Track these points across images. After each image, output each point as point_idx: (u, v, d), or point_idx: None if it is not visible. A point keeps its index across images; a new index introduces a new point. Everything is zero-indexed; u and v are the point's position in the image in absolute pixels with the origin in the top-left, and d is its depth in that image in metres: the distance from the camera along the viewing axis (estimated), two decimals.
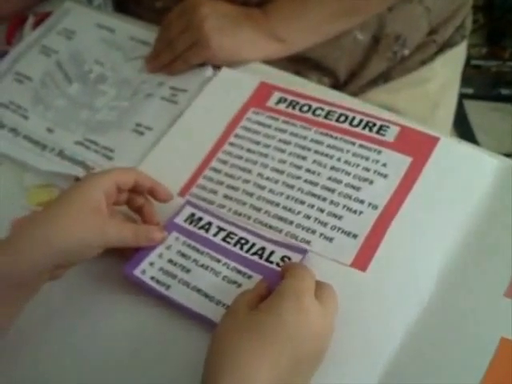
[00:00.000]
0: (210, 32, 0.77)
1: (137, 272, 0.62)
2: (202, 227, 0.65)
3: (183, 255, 0.63)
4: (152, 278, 0.62)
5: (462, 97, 1.75)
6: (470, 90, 1.82)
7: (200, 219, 0.66)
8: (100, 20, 0.92)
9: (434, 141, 0.65)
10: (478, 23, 1.86)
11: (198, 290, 0.60)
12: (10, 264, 0.55)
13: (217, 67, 0.80)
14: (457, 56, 0.97)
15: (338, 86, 0.88)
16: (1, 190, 0.76)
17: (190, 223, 0.65)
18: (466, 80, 1.08)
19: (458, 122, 1.52)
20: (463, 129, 1.65)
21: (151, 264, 0.63)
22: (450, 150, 0.64)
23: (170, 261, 0.63)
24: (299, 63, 0.85)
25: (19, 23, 0.96)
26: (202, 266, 0.62)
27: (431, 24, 0.90)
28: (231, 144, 0.71)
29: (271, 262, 0.61)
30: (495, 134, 1.55)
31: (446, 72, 0.95)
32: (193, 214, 0.66)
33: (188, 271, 0.62)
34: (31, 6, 0.97)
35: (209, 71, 0.80)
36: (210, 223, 0.65)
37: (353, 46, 0.86)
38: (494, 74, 1.87)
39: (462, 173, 0.63)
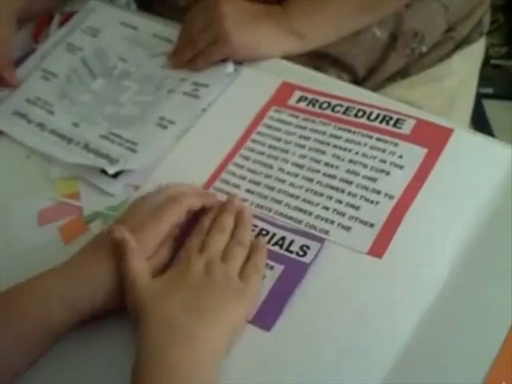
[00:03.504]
0: (230, 28, 0.79)
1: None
2: None
3: None
4: None
5: (482, 96, 1.76)
6: (489, 90, 1.83)
7: None
8: (123, 18, 0.95)
9: (448, 132, 0.66)
10: (497, 23, 1.87)
11: None
12: None
13: (238, 63, 0.82)
14: (474, 53, 0.98)
15: (356, 82, 0.89)
16: (29, 182, 0.79)
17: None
18: (485, 80, 1.09)
19: (477, 122, 1.53)
20: (483, 128, 1.66)
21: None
22: (465, 140, 0.66)
23: None
24: (318, 59, 0.86)
25: (45, 22, 0.99)
26: None
27: (449, 21, 0.92)
28: (253, 141, 0.73)
29: (291, 252, 0.62)
30: None
31: (463, 69, 0.96)
32: None
33: None
34: (57, 6, 1.00)
35: (230, 67, 0.82)
36: None
37: (371, 42, 0.88)
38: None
39: (476, 163, 0.64)
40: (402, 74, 0.92)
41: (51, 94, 0.88)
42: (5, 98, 0.89)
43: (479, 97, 1.46)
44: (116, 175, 0.75)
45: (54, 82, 0.89)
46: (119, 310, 0.60)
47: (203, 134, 0.76)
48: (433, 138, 0.66)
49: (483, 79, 1.10)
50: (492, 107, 1.69)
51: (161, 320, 0.55)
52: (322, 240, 0.62)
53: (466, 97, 1.01)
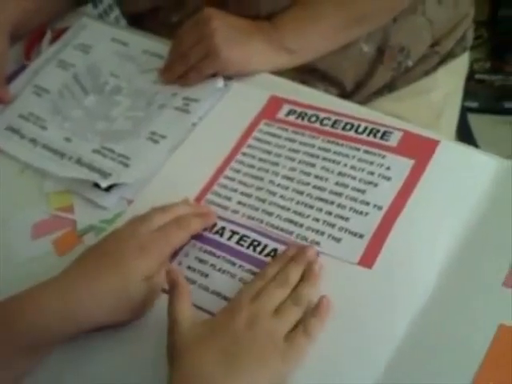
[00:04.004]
0: (221, 43, 0.81)
1: None
2: (216, 232, 0.68)
3: (201, 261, 0.66)
4: None
5: (467, 110, 1.78)
6: (474, 104, 1.85)
7: (214, 225, 0.69)
8: (114, 34, 0.96)
9: (434, 144, 0.68)
10: (481, 38, 1.90)
11: (218, 294, 0.63)
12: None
13: (228, 78, 0.84)
14: (459, 67, 1.00)
15: (344, 95, 0.91)
16: (23, 196, 0.80)
17: (205, 229, 0.68)
18: (470, 94, 1.11)
19: (462, 135, 1.55)
20: (467, 141, 1.68)
21: None
22: (450, 151, 0.68)
23: (189, 267, 0.66)
24: (306, 74, 0.88)
25: (37, 39, 1.00)
26: (219, 270, 0.65)
27: (434, 36, 0.94)
28: (244, 154, 0.75)
29: None
30: (500, 147, 1.57)
31: (448, 82, 0.98)
32: None
33: (206, 276, 0.65)
34: (49, 22, 1.01)
35: (220, 82, 0.83)
36: (223, 228, 0.68)
37: (359, 57, 0.90)
38: (497, 88, 1.90)
39: (462, 173, 0.66)
40: (389, 87, 0.94)
41: (44, 110, 0.89)
42: None
43: (464, 110, 1.48)
44: (109, 189, 0.76)
45: (46, 98, 0.91)
46: (116, 325, 0.61)
47: (194, 147, 0.78)
48: (419, 150, 0.68)
49: (468, 93, 1.12)
50: (477, 121, 1.71)
51: (192, 366, 0.54)
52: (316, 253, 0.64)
53: (452, 110, 1.03)
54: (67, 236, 0.74)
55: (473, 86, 1.68)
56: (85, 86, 0.90)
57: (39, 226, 0.76)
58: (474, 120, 1.66)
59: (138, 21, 1.02)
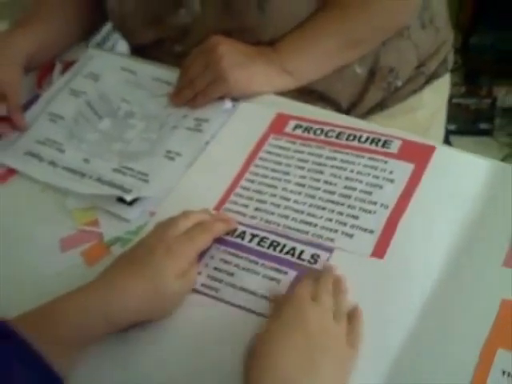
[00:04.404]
0: (227, 68, 0.88)
1: None
2: (237, 236, 0.74)
3: (225, 262, 0.72)
4: (202, 284, 0.71)
5: (446, 133, 1.87)
6: (453, 126, 1.95)
7: (235, 230, 0.75)
8: (122, 63, 1.03)
9: (431, 149, 0.76)
10: (456, 64, 2.00)
11: (244, 289, 0.69)
12: None
13: (234, 99, 0.90)
14: (442, 86, 1.08)
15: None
16: (46, 214, 0.85)
17: (227, 234, 0.75)
18: (449, 117, 1.19)
19: None
20: None
21: (199, 273, 0.72)
22: (446, 155, 0.75)
23: (215, 268, 0.72)
24: (306, 95, 0.95)
25: (47, 70, 1.06)
26: (243, 268, 0.71)
27: (419, 58, 1.02)
28: (256, 166, 0.81)
29: (303, 260, 0.70)
30: None
31: (433, 100, 1.06)
32: None
33: (232, 274, 0.71)
34: (58, 55, 1.07)
35: (228, 103, 0.90)
36: (244, 232, 0.75)
37: (353, 78, 0.97)
38: (473, 111, 2.00)
39: (457, 174, 0.74)
40: (381, 106, 1.02)
41: (60, 135, 0.94)
42: (15, 140, 0.95)
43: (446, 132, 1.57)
44: (131, 203, 0.81)
45: (61, 124, 0.96)
46: (150, 321, 0.67)
47: (209, 162, 0.84)
48: (418, 155, 0.75)
49: (447, 117, 1.20)
50: (457, 142, 1.81)
51: (271, 369, 0.57)
52: (331, 249, 0.70)
53: (438, 126, 1.10)
54: (95, 248, 0.79)
55: (451, 110, 1.77)
56: (98, 112, 0.96)
57: (67, 240, 0.81)
58: (453, 141, 1.75)
59: (141, 51, 1.09)
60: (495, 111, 2.03)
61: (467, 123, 1.95)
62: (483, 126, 1.94)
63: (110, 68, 1.03)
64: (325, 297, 0.64)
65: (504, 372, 0.57)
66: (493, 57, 2.05)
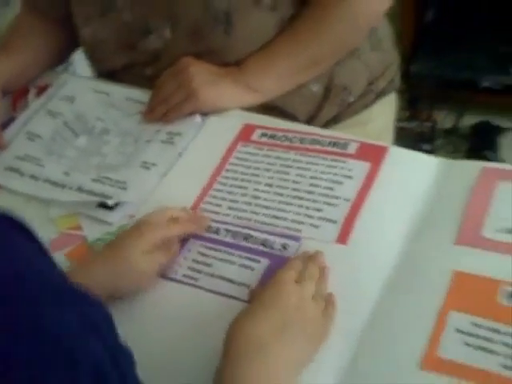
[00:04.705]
0: (198, 87, 0.96)
1: (171, 274, 0.79)
2: (213, 232, 0.82)
3: (203, 254, 0.80)
4: (183, 275, 0.78)
5: None
6: None
7: (210, 227, 0.83)
8: (95, 86, 1.10)
9: (385, 149, 0.85)
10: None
11: (222, 278, 0.77)
12: None
13: (204, 114, 0.99)
14: (390, 103, 1.19)
15: None
16: (32, 223, 0.90)
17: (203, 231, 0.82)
18: (394, 140, 1.30)
19: None
20: None
21: (180, 266, 0.79)
22: (398, 154, 0.85)
23: (194, 260, 0.80)
24: (267, 110, 1.03)
25: (22, 93, 1.13)
26: (220, 259, 0.79)
27: (369, 77, 1.12)
28: (227, 170, 0.89)
29: (274, 249, 0.78)
30: None
31: (382, 115, 1.16)
32: None
33: (210, 265, 0.79)
34: (31, 81, 1.14)
35: (198, 118, 0.98)
36: (218, 228, 0.82)
37: (309, 95, 1.06)
38: (416, 134, 2.13)
39: (409, 170, 0.83)
40: (335, 120, 1.11)
41: (38, 152, 1.01)
42: None
43: None
44: (112, 208, 0.88)
45: (39, 142, 1.02)
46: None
47: (183, 170, 0.92)
48: (373, 155, 0.85)
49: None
50: None
51: (248, 335, 0.64)
52: (298, 239, 0.78)
53: (387, 138, 1.20)
54: (79, 248, 0.86)
55: (395, 133, 1.89)
56: (75, 130, 1.03)
57: (51, 244, 0.86)
58: None
59: (110, 75, 1.16)
60: (435, 133, 2.17)
61: (410, 145, 2.06)
62: (425, 147, 2.07)
63: (84, 90, 1.10)
64: (308, 281, 0.70)
65: (456, 329, 0.66)
66: (432, 83, 2.19)
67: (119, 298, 0.75)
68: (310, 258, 0.75)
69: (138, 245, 0.76)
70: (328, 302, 0.71)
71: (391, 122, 1.21)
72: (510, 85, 2.18)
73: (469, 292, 0.69)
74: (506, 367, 0.62)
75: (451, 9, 2.27)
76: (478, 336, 0.65)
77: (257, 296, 0.70)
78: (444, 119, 2.21)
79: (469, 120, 2.21)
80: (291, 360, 0.64)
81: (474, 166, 0.82)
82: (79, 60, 1.39)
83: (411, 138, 2.10)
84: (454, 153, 2.09)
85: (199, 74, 0.97)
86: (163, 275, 0.78)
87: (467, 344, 0.64)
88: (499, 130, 2.16)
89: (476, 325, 0.65)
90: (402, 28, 1.20)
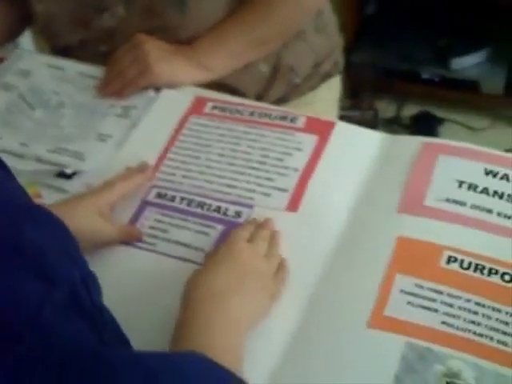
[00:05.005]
0: (153, 62, 1.00)
1: None
2: (168, 200, 0.86)
3: (159, 221, 0.84)
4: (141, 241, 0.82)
5: None
6: None
7: (165, 195, 0.87)
8: (49, 61, 1.12)
9: (332, 124, 0.91)
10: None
11: (178, 243, 0.81)
12: None
13: (157, 89, 1.02)
14: (335, 85, 1.25)
15: None
16: None
17: (158, 198, 0.86)
18: None
19: None
20: None
21: None
22: (345, 129, 0.90)
23: (151, 227, 0.84)
24: (218, 88, 1.07)
25: None
26: (176, 225, 0.83)
27: (315, 59, 1.17)
28: (180, 141, 0.93)
29: (227, 215, 0.82)
30: None
31: (328, 97, 1.22)
32: (159, 193, 0.87)
33: (166, 231, 0.83)
34: None
35: (151, 92, 1.02)
36: (173, 196, 0.86)
37: (258, 74, 1.11)
38: (357, 122, 2.19)
39: (355, 143, 0.89)
40: (283, 100, 1.16)
41: None
42: None
43: None
44: (70, 176, 0.91)
45: None
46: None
47: (138, 142, 0.95)
48: (321, 129, 0.90)
49: None
50: None
51: (206, 286, 0.68)
52: (251, 206, 0.83)
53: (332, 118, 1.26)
54: None
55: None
56: (30, 103, 1.05)
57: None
58: None
59: (65, 52, 1.18)
60: (377, 122, 2.25)
61: None
62: None
63: (39, 65, 1.11)
64: (260, 241, 0.75)
65: (401, 290, 0.71)
66: (373, 73, 2.27)
67: None
68: (261, 223, 0.80)
69: (88, 205, 0.79)
70: (280, 265, 0.76)
71: (336, 104, 1.27)
72: (448, 77, 2.27)
73: (413, 256, 0.74)
74: (446, 324, 0.68)
75: (391, 2, 2.35)
76: (421, 296, 0.70)
77: (211, 255, 0.75)
78: (385, 109, 2.29)
79: (409, 110, 2.30)
80: (248, 310, 0.68)
81: (416, 141, 0.87)
82: (25, 39, 1.41)
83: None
84: None
85: (154, 49, 1.01)
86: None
87: (411, 303, 0.70)
88: (438, 120, 2.25)
89: (419, 286, 0.71)
90: (343, 19, 1.25)
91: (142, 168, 0.88)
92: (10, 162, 0.93)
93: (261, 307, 0.72)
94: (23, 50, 1.16)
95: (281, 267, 0.76)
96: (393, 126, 2.25)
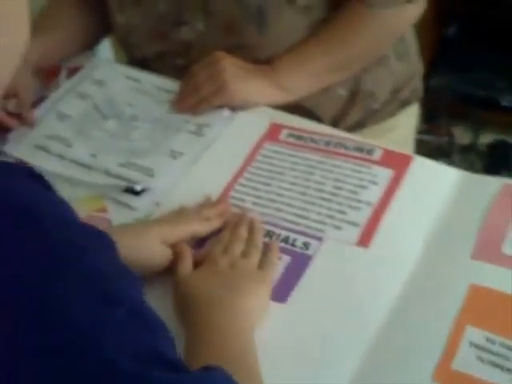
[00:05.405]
0: (229, 80, 0.98)
1: None
2: None
3: None
4: None
5: None
6: None
7: None
8: (127, 72, 1.12)
9: (409, 158, 0.88)
10: None
11: None
12: None
13: (232, 109, 1.00)
14: (413, 112, 1.21)
15: None
16: None
17: None
18: None
19: None
20: None
21: None
22: (422, 164, 0.87)
23: None
24: (294, 109, 1.05)
25: (53, 74, 1.15)
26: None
27: (395, 85, 1.14)
28: (253, 167, 0.91)
29: (295, 246, 0.80)
30: None
31: (406, 124, 1.18)
32: None
33: None
34: (62, 60, 1.16)
35: (226, 111, 1.00)
36: None
37: (336, 98, 1.08)
38: (432, 147, 2.14)
39: (432, 180, 0.85)
40: (359, 125, 1.13)
41: (67, 132, 1.02)
42: (25, 135, 1.03)
43: None
44: (138, 193, 0.90)
45: (68, 122, 1.04)
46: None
47: (210, 163, 0.93)
48: (398, 163, 0.86)
49: None
50: None
51: (199, 291, 0.72)
52: (320, 238, 0.80)
53: (409, 147, 1.22)
54: None
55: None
56: (104, 113, 1.05)
57: None
58: None
59: (141, 64, 1.18)
60: (453, 148, 2.18)
61: (427, 158, 2.08)
62: (442, 161, 2.08)
63: (115, 75, 1.11)
64: (234, 243, 0.77)
65: (471, 343, 0.67)
66: (450, 98, 2.20)
67: None
68: (237, 220, 0.81)
69: (159, 233, 0.78)
70: (268, 249, 0.78)
71: (413, 132, 1.23)
72: None
73: (485, 307, 0.70)
74: None
75: (473, 25, 2.28)
76: (492, 352, 0.66)
77: (197, 271, 0.76)
78: (461, 135, 2.22)
79: (486, 137, 2.22)
80: (247, 309, 0.70)
81: (496, 182, 0.84)
82: (103, 48, 1.42)
83: (428, 151, 2.11)
84: (470, 169, 2.10)
85: (231, 67, 0.99)
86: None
87: (481, 359, 0.66)
88: None
89: (491, 341, 0.67)
90: (422, 41, 1.21)
91: (218, 207, 0.85)
92: (78, 172, 0.96)
93: (262, 296, 0.73)
94: (100, 59, 1.16)
95: (268, 251, 0.78)
96: (468, 153, 2.18)
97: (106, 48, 1.50)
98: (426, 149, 2.10)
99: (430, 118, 2.17)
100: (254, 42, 1.02)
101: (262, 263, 0.77)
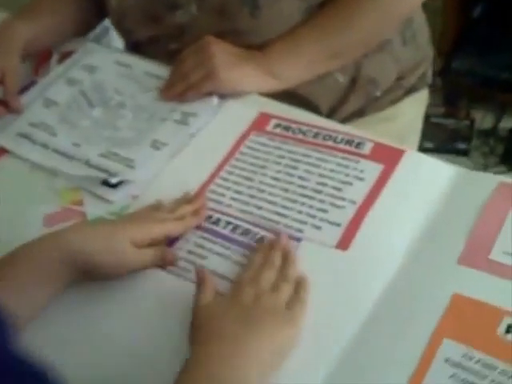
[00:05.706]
0: (219, 66, 0.93)
1: None
2: (213, 222, 0.79)
3: (199, 246, 0.77)
4: (176, 266, 0.76)
5: (424, 150, 1.95)
6: (430, 145, 2.02)
7: (210, 216, 0.80)
8: (118, 58, 1.08)
9: (401, 152, 0.81)
10: (435, 86, 2.07)
11: (214, 273, 0.74)
12: None
13: (221, 97, 0.96)
14: (421, 99, 1.14)
15: None
16: (34, 193, 0.89)
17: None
18: (426, 135, 1.25)
19: None
20: None
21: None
22: (414, 159, 0.81)
23: (189, 252, 0.77)
24: (289, 98, 1.00)
25: (45, 58, 1.11)
26: (216, 253, 0.76)
27: (399, 71, 1.07)
28: (236, 159, 0.86)
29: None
30: None
31: (410, 113, 1.12)
32: None
33: (204, 258, 0.76)
34: (54, 45, 1.12)
35: (215, 100, 0.95)
36: (218, 219, 0.80)
37: (334, 85, 1.03)
38: (451, 131, 2.07)
39: (423, 176, 0.79)
40: (359, 114, 1.07)
41: (53, 119, 0.99)
42: (10, 122, 1.00)
43: (422, 150, 1.64)
44: (116, 185, 0.86)
45: (54, 110, 1.01)
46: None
47: (193, 154, 0.89)
48: (388, 157, 0.81)
49: (424, 135, 1.26)
50: None
51: (213, 328, 0.65)
52: (299, 239, 0.75)
53: (413, 137, 1.16)
54: None
55: (429, 129, 1.84)
56: (91, 100, 1.01)
57: (52, 217, 0.85)
58: None
59: (136, 48, 1.14)
60: (473, 132, 2.11)
61: (445, 142, 2.02)
62: (460, 145, 2.01)
63: (106, 62, 1.07)
64: (265, 275, 0.69)
65: (447, 360, 0.62)
66: (472, 81, 2.12)
67: (94, 278, 0.74)
68: (272, 245, 0.74)
69: (127, 232, 0.73)
70: (299, 285, 0.69)
71: (419, 121, 1.17)
72: None
73: (466, 319, 0.65)
74: None
75: (499, 6, 2.19)
76: (467, 369, 0.61)
77: (220, 301, 0.69)
78: (482, 119, 2.14)
79: (508, 122, 2.14)
80: (270, 349, 0.63)
81: (491, 180, 0.78)
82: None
83: (446, 135, 2.04)
84: (489, 155, 2.03)
85: (221, 53, 0.94)
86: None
87: (455, 377, 0.60)
88: None
89: (469, 357, 0.61)
90: (447, 23, 1.15)
91: (194, 204, 0.81)
92: (59, 163, 0.92)
93: (284, 340, 0.65)
94: (94, 45, 1.12)
95: (297, 289, 0.69)
96: (489, 138, 2.11)
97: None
98: (443, 133, 2.04)
99: (449, 102, 2.10)
100: (247, 27, 0.97)
101: (291, 301, 0.68)
